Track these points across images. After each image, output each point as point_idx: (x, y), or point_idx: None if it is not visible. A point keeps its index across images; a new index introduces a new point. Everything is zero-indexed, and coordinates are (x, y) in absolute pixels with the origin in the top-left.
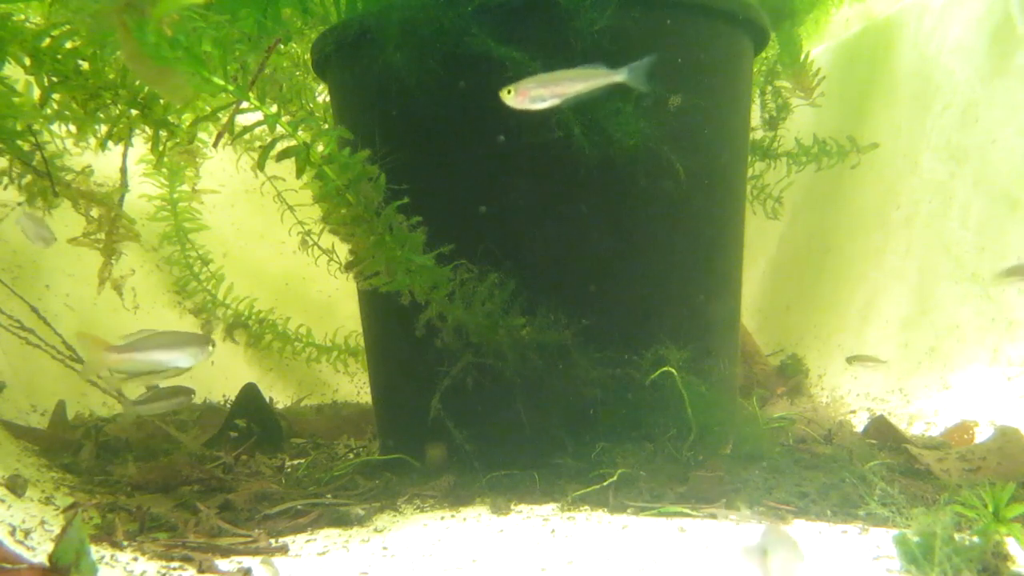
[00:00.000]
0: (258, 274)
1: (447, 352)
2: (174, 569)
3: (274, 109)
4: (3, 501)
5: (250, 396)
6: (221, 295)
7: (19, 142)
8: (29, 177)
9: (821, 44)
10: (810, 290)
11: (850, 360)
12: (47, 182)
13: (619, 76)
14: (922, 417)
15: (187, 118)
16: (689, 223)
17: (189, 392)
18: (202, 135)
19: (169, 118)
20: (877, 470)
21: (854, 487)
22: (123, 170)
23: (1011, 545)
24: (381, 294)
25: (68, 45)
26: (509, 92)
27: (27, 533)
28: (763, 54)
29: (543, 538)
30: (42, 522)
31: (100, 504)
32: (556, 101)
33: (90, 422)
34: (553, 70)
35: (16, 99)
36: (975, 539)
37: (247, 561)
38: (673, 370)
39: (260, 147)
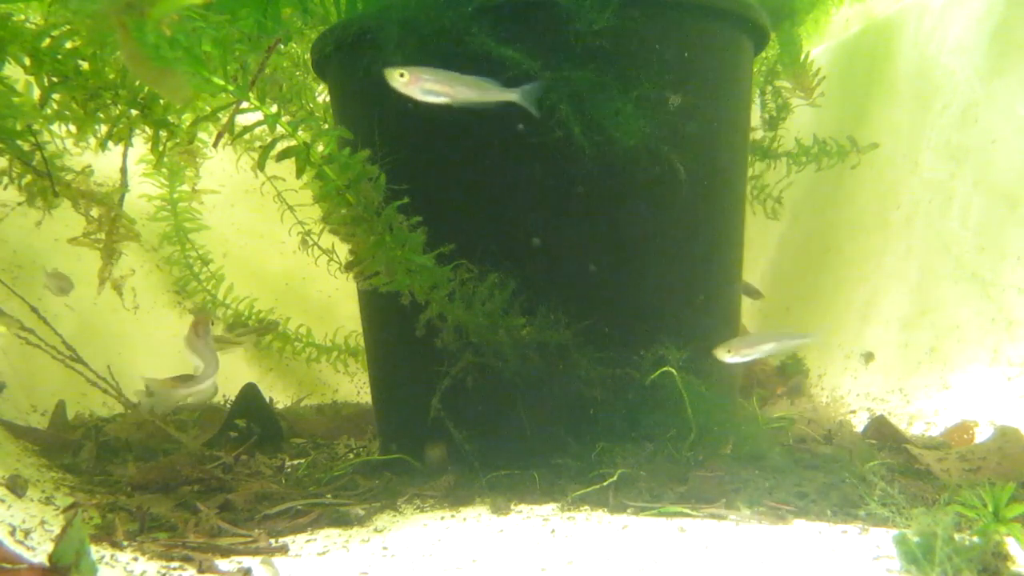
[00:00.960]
0: (258, 274)
1: (447, 352)
2: (174, 569)
3: (274, 109)
4: (3, 501)
5: (250, 396)
6: (221, 295)
7: (19, 142)
8: (29, 177)
9: (821, 44)
10: (810, 290)
11: (867, 357)
12: (47, 182)
13: (511, 96)
14: (922, 417)
15: (187, 118)
16: (689, 223)
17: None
18: (202, 135)
19: (169, 118)
20: (877, 470)
21: (854, 487)
22: (123, 170)
23: (1011, 545)
24: (381, 294)
25: (68, 45)
26: (401, 76)
27: (27, 533)
28: (763, 54)
29: (543, 538)
30: (42, 522)
31: (100, 504)
32: (445, 100)
33: (90, 422)
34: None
35: (16, 99)
36: (975, 539)
37: (247, 561)
38: (673, 370)
39: (260, 147)
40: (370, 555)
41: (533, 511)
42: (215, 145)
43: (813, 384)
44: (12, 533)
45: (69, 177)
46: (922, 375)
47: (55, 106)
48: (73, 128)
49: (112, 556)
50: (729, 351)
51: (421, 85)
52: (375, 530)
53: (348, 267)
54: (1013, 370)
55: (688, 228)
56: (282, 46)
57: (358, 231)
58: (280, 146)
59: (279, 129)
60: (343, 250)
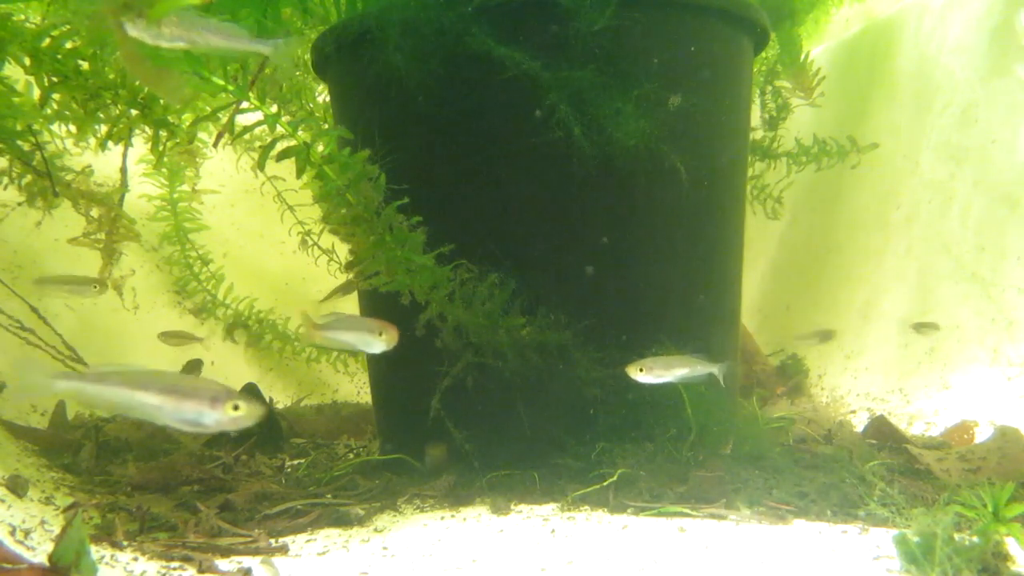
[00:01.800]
0: (258, 274)
1: (447, 352)
2: (174, 569)
3: (274, 109)
4: (3, 501)
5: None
6: (221, 295)
7: (19, 142)
8: (29, 177)
9: (821, 44)
10: (810, 290)
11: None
12: (47, 182)
13: (264, 48)
14: (922, 417)
15: (187, 118)
16: (689, 223)
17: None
18: (202, 135)
19: (169, 118)
20: (877, 470)
21: (854, 487)
22: (123, 170)
23: (1011, 545)
24: (381, 294)
25: (68, 45)
26: (132, 20)
27: (27, 533)
28: (763, 54)
29: (543, 538)
30: (42, 522)
31: (100, 504)
32: (183, 45)
33: (90, 422)
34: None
35: (16, 99)
36: (975, 539)
37: (247, 561)
38: None
39: (260, 147)
40: (370, 555)
41: (533, 511)
42: (215, 145)
43: (813, 384)
44: (12, 533)
45: (69, 177)
46: (922, 375)
47: (55, 106)
48: (73, 128)
49: (112, 556)
50: (641, 370)
51: (154, 27)
52: (375, 530)
53: (348, 267)
54: (1013, 370)
55: (688, 228)
56: None
57: (358, 231)
58: (280, 146)
59: (279, 129)
60: (343, 250)
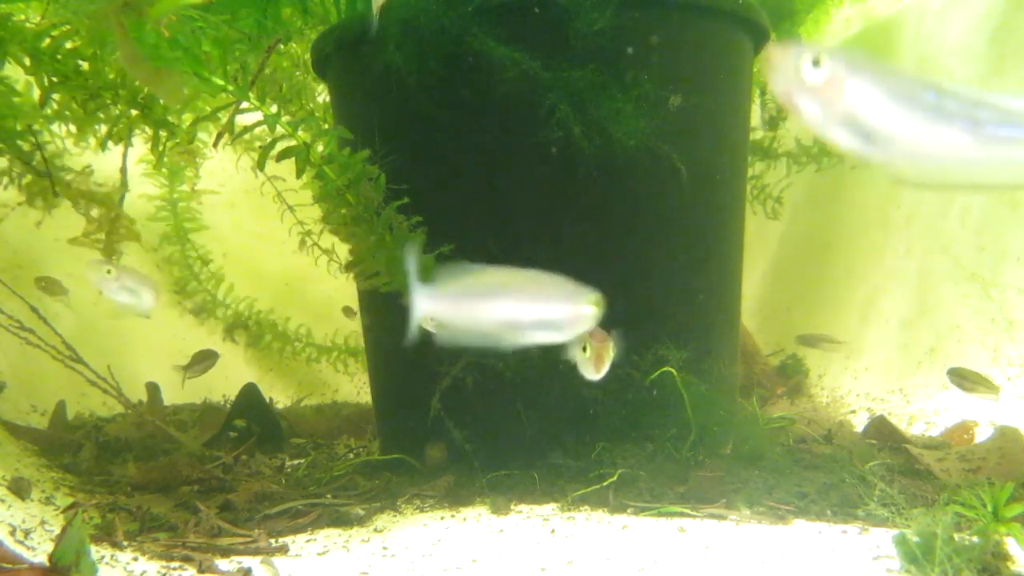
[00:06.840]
0: (258, 274)
1: (447, 352)
2: (174, 569)
3: (274, 109)
4: (4, 501)
5: (250, 396)
6: (221, 295)
7: (19, 142)
8: (29, 177)
9: None
10: (810, 290)
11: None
12: (47, 182)
13: None
14: (922, 417)
15: (187, 118)
16: (689, 223)
17: (215, 356)
18: (202, 135)
19: (169, 118)
20: (877, 470)
21: (854, 487)
22: (123, 170)
23: (1011, 545)
24: (381, 294)
25: (68, 45)
26: None
27: (27, 533)
28: (763, 54)
29: (543, 538)
30: (42, 522)
31: (100, 504)
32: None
33: (90, 422)
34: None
35: (16, 99)
36: (975, 539)
37: (247, 561)
38: (673, 370)
39: (260, 147)
40: (370, 555)
41: (533, 511)
42: (215, 145)
43: (813, 384)
44: (12, 533)
45: (69, 177)
46: (922, 375)
47: (55, 106)
48: (73, 128)
49: (112, 556)
50: None
51: None
52: (375, 530)
53: (348, 267)
54: (1013, 370)
55: (688, 228)
56: (282, 46)
57: (358, 231)
58: (280, 146)
59: (279, 129)
60: (343, 250)
